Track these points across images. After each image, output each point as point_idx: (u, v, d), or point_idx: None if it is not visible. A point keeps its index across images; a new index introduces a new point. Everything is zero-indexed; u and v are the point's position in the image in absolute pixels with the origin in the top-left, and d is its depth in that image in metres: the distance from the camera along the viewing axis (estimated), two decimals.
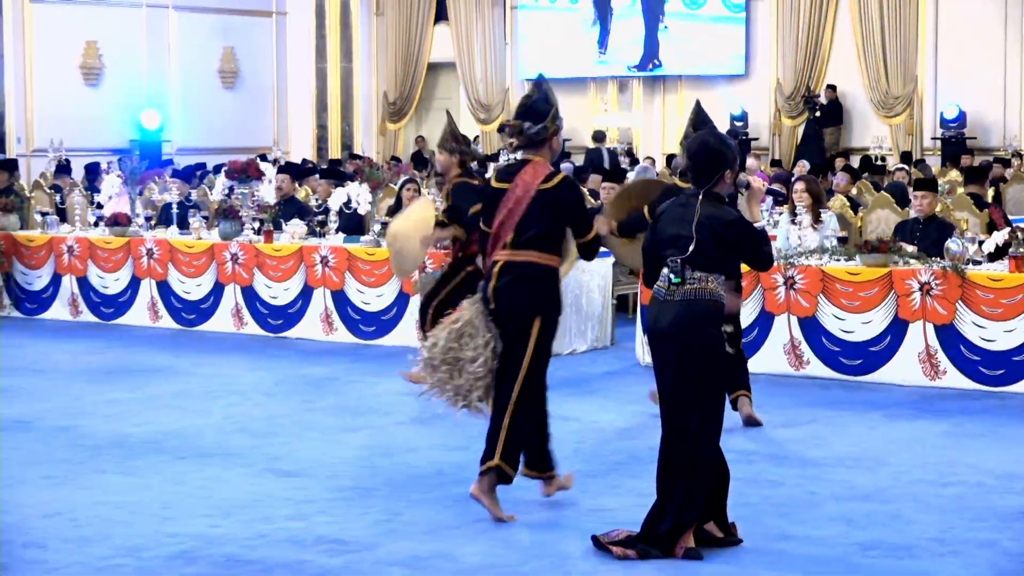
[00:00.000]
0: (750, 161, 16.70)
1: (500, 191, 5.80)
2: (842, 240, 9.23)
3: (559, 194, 5.72)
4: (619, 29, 21.60)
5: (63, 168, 17.36)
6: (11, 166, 14.55)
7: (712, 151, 5.36)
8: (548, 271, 5.77)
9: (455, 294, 7.80)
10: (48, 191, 14.67)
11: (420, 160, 20.18)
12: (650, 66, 21.43)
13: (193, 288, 11.35)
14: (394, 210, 11.98)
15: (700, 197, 5.32)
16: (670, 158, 18.42)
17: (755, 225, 5.41)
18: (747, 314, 9.01)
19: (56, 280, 12.13)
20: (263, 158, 14.78)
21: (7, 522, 5.75)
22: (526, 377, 5.74)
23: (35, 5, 19.75)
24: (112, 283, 11.79)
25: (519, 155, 5.87)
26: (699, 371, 5.27)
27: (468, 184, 8.10)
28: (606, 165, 17.80)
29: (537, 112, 5.80)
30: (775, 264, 8.89)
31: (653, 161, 18.76)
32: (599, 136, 20.26)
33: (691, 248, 5.25)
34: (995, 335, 8.40)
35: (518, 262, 5.72)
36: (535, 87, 5.95)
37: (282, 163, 14.78)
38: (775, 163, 18.71)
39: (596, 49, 21.71)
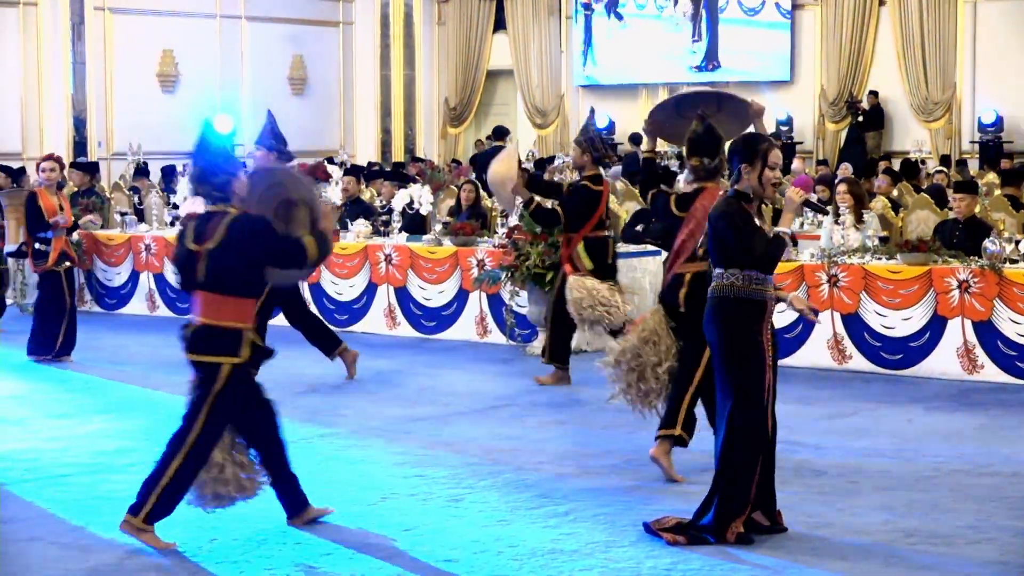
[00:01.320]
0: (796, 163, 16.74)
1: (680, 217, 6.31)
2: (883, 240, 9.32)
3: None
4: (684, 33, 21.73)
5: (141, 171, 17.58)
6: (92, 169, 14.89)
7: (735, 140, 5.48)
8: None
9: None
10: (127, 192, 14.88)
11: None
12: (710, 66, 21.53)
13: None
14: (455, 211, 12.28)
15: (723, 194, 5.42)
16: None
17: (776, 229, 5.27)
18: (791, 311, 9.20)
19: (134, 277, 12.45)
20: (330, 161, 14.96)
21: (85, 506, 6.05)
22: (705, 365, 6.24)
23: (116, 16, 20.05)
24: None
25: (695, 186, 6.34)
26: (722, 365, 5.33)
27: None
28: (638, 168, 17.72)
29: (709, 146, 6.27)
30: (820, 263, 9.13)
31: None
32: (636, 139, 20.02)
33: (701, 244, 5.44)
34: None
35: (703, 272, 6.13)
36: (699, 121, 6.36)
37: (348, 166, 14.97)
38: (821, 162, 18.72)
39: (689, 48, 21.69)
